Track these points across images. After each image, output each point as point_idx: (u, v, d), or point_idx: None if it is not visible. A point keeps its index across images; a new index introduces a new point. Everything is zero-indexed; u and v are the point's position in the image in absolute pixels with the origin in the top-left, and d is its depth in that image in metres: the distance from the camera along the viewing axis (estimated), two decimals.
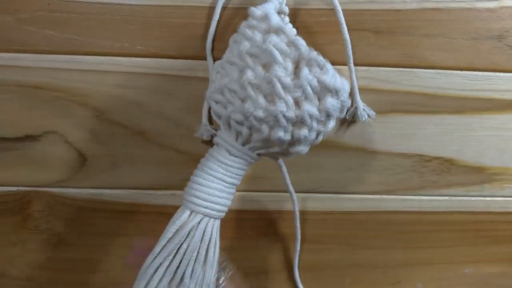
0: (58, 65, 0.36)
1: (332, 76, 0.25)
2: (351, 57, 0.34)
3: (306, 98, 0.25)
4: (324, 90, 0.25)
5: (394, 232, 0.40)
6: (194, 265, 0.26)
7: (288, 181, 0.36)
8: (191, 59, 0.36)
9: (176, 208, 0.38)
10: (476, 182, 0.39)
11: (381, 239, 0.40)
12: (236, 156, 0.27)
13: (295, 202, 0.37)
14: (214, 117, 0.29)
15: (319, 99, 0.26)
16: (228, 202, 0.27)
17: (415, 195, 0.39)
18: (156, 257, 0.26)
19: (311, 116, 0.25)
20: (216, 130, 0.36)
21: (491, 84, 0.37)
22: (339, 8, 0.33)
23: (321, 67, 0.25)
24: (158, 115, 0.37)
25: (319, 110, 0.26)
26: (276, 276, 0.41)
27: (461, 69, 0.37)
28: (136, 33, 0.35)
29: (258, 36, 0.26)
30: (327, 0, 0.35)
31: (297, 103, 0.25)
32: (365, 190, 0.39)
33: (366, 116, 0.36)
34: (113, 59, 0.36)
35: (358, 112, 0.35)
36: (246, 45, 0.26)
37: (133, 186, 0.38)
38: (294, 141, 0.27)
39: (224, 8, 0.35)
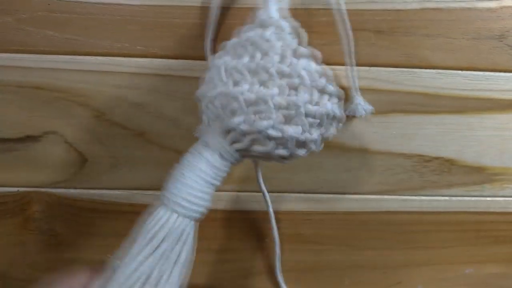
0: (58, 66, 0.36)
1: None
2: (353, 55, 0.34)
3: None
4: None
5: (394, 232, 0.40)
6: (171, 267, 0.25)
7: (261, 180, 0.35)
8: (192, 59, 0.36)
9: None
10: (477, 182, 0.39)
11: (381, 240, 0.40)
12: (227, 160, 0.27)
13: (269, 203, 0.37)
14: (211, 119, 0.28)
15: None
16: (207, 204, 0.26)
17: (415, 195, 0.39)
18: (133, 258, 0.25)
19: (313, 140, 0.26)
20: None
21: (492, 84, 0.37)
22: (342, 8, 0.33)
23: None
24: (158, 116, 0.37)
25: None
26: (268, 277, 0.41)
27: (461, 69, 0.37)
28: (136, 33, 0.35)
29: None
30: (328, 0, 0.35)
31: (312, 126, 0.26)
32: (365, 190, 0.39)
33: (364, 112, 0.35)
34: (113, 60, 0.36)
35: (358, 108, 0.35)
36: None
37: (134, 186, 0.38)
38: (290, 158, 0.27)
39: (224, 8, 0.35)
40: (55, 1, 0.35)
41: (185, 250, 0.25)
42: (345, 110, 0.35)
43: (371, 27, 0.35)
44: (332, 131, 0.28)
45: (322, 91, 0.27)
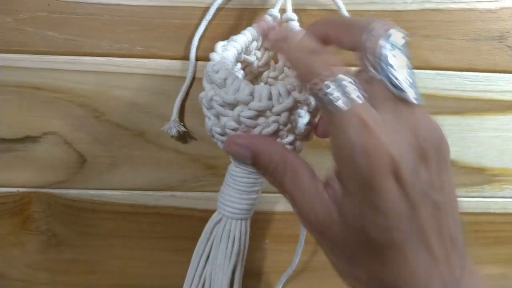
0: (57, 66, 0.35)
1: (228, 90, 0.27)
2: None
3: (219, 113, 0.28)
4: (228, 104, 0.27)
5: None
6: (219, 260, 0.30)
7: None
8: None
9: (176, 209, 0.39)
10: (477, 183, 0.39)
11: None
12: (238, 168, 0.30)
13: None
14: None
15: None
16: (243, 206, 0.30)
17: None
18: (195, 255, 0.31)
19: (229, 127, 0.28)
20: (183, 124, 0.36)
21: (492, 85, 0.37)
22: (343, 8, 0.34)
23: (219, 86, 0.27)
24: (157, 116, 0.37)
25: (235, 121, 0.27)
26: (268, 277, 0.41)
27: (461, 70, 0.37)
28: (136, 34, 0.35)
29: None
30: (328, 1, 0.35)
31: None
32: None
33: None
34: (113, 60, 0.36)
35: None
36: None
37: (133, 187, 0.38)
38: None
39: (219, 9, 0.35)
40: (55, 2, 0.35)
41: (235, 244, 0.30)
42: None
43: None
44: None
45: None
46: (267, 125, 0.27)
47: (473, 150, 0.38)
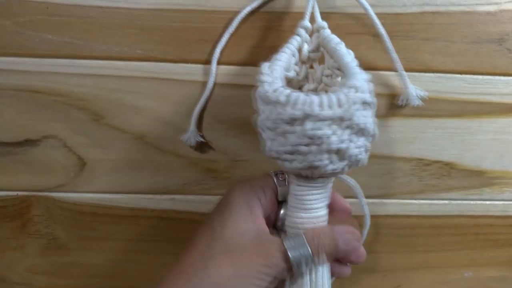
0: (57, 69, 0.35)
1: (294, 104, 0.26)
2: (391, 47, 0.35)
3: (286, 132, 0.27)
4: (295, 120, 0.27)
5: (393, 236, 0.40)
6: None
7: (361, 196, 0.36)
8: (191, 63, 0.36)
9: (176, 212, 0.39)
10: (476, 186, 0.39)
11: (380, 243, 0.40)
12: (301, 186, 0.30)
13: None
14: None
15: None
16: (310, 225, 0.30)
17: (414, 199, 0.39)
18: None
19: (300, 144, 0.27)
20: (202, 135, 0.37)
21: (491, 88, 0.37)
22: (371, 11, 0.34)
23: (283, 104, 0.27)
24: (157, 119, 0.37)
25: (305, 136, 0.27)
26: None
27: (461, 73, 0.37)
28: (136, 37, 0.35)
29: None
30: (333, 4, 0.35)
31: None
32: (365, 194, 0.39)
33: (419, 101, 0.36)
34: (112, 63, 0.36)
35: (410, 97, 0.36)
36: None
37: (133, 190, 0.38)
38: (313, 167, 0.28)
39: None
40: (54, 5, 0.35)
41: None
42: (398, 101, 0.36)
43: (371, 30, 0.35)
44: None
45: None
46: (341, 133, 0.27)
47: (472, 153, 0.39)
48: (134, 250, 0.39)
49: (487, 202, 0.40)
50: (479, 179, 0.39)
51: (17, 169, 0.37)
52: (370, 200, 0.39)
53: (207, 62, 0.36)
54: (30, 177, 0.37)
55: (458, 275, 0.42)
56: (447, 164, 0.39)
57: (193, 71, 0.36)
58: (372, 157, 0.38)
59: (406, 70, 0.36)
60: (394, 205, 0.39)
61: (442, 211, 0.40)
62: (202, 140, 0.37)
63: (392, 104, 0.37)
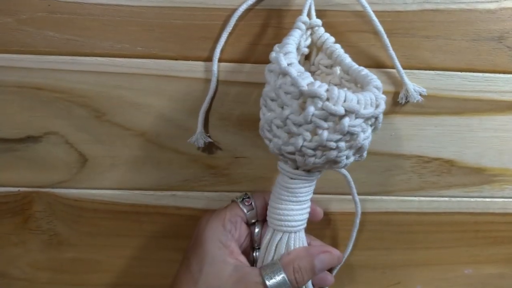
0: (58, 66, 0.36)
1: (337, 101, 0.26)
2: (389, 45, 0.35)
3: (319, 127, 0.27)
4: (334, 115, 0.26)
5: (393, 233, 0.40)
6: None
7: (354, 190, 0.36)
8: (192, 60, 0.36)
9: (177, 208, 0.39)
10: (476, 183, 0.39)
11: (380, 240, 0.41)
12: (295, 179, 0.30)
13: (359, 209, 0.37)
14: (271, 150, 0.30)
15: (336, 123, 0.27)
16: (301, 217, 0.31)
17: (414, 196, 0.40)
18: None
19: (331, 140, 0.27)
20: (209, 136, 0.37)
21: (491, 85, 0.37)
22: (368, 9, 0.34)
23: (323, 99, 0.26)
24: (158, 116, 0.37)
25: (339, 132, 0.27)
26: None
27: (461, 70, 0.37)
28: (137, 34, 0.35)
29: (272, 80, 0.28)
30: (335, 1, 0.35)
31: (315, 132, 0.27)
32: (365, 191, 0.39)
33: (419, 96, 0.36)
34: (114, 60, 0.36)
35: (410, 94, 0.36)
36: (267, 87, 0.29)
37: (134, 187, 0.38)
38: (331, 162, 0.29)
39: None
40: (55, 2, 0.35)
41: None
42: (398, 98, 0.37)
43: (371, 28, 0.35)
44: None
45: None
46: (367, 130, 0.28)
47: (472, 150, 0.39)
48: (135, 246, 0.40)
49: (487, 200, 0.40)
50: (479, 176, 0.39)
51: (19, 165, 0.37)
52: (370, 197, 0.39)
53: (208, 59, 0.36)
54: (32, 173, 0.38)
55: (458, 272, 0.42)
56: (447, 161, 0.39)
57: (194, 68, 0.36)
58: (372, 154, 0.38)
59: (406, 68, 0.36)
60: (394, 202, 0.40)
61: (442, 208, 0.40)
62: (210, 140, 0.37)
63: (392, 101, 0.37)
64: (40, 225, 0.39)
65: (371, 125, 0.28)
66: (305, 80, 0.27)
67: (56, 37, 0.35)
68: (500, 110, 0.38)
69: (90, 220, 0.39)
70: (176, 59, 0.36)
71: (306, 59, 0.35)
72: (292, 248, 0.31)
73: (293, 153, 0.28)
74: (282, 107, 0.28)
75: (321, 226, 0.40)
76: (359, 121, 0.27)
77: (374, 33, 0.35)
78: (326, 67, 0.34)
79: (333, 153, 0.27)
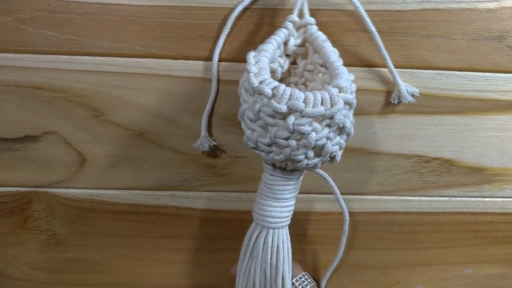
0: (57, 66, 0.36)
1: (281, 98, 0.27)
2: (382, 45, 0.35)
3: (268, 124, 0.28)
4: (278, 113, 0.27)
5: (393, 232, 0.40)
6: (265, 268, 0.31)
7: (337, 191, 0.36)
8: (191, 59, 0.36)
9: (176, 208, 0.39)
10: (476, 183, 0.39)
11: (380, 240, 0.40)
12: (274, 176, 0.31)
13: (345, 210, 0.37)
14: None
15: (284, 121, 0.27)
16: (280, 214, 0.31)
17: (414, 196, 0.39)
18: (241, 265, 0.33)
19: (280, 137, 0.27)
20: (214, 140, 0.37)
21: (491, 85, 0.37)
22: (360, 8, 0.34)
23: (268, 96, 0.27)
24: (157, 116, 0.37)
25: (286, 130, 0.27)
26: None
27: (461, 70, 0.37)
28: (136, 34, 0.35)
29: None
30: (333, 1, 0.35)
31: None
32: (365, 190, 0.39)
33: (411, 97, 0.36)
34: (113, 60, 0.36)
35: (402, 94, 0.36)
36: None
37: (133, 186, 0.38)
38: (290, 160, 0.29)
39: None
40: (55, 1, 0.35)
41: (279, 253, 0.31)
42: (390, 99, 0.37)
43: (367, 28, 0.35)
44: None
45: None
46: (320, 130, 0.27)
47: (472, 150, 0.39)
48: (134, 246, 0.39)
49: (487, 199, 0.40)
50: (479, 176, 0.39)
51: (18, 165, 0.37)
52: (370, 197, 0.39)
53: (208, 58, 0.36)
54: (31, 173, 0.37)
55: (458, 272, 0.42)
56: (447, 161, 0.39)
57: (193, 67, 0.36)
58: (372, 153, 0.38)
59: (406, 67, 0.36)
60: (394, 202, 0.39)
61: (442, 208, 0.40)
62: (215, 143, 0.37)
63: (389, 102, 0.37)
64: (38, 225, 0.39)
65: (328, 126, 0.27)
66: (259, 77, 0.28)
67: (55, 36, 0.35)
68: (500, 109, 0.38)
69: (88, 220, 0.39)
70: (176, 59, 0.36)
71: (303, 58, 0.35)
72: (270, 244, 0.31)
73: (255, 148, 0.29)
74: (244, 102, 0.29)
75: (321, 226, 0.40)
76: (306, 120, 0.26)
77: (370, 33, 0.35)
78: (322, 65, 0.33)
79: (287, 151, 0.28)
